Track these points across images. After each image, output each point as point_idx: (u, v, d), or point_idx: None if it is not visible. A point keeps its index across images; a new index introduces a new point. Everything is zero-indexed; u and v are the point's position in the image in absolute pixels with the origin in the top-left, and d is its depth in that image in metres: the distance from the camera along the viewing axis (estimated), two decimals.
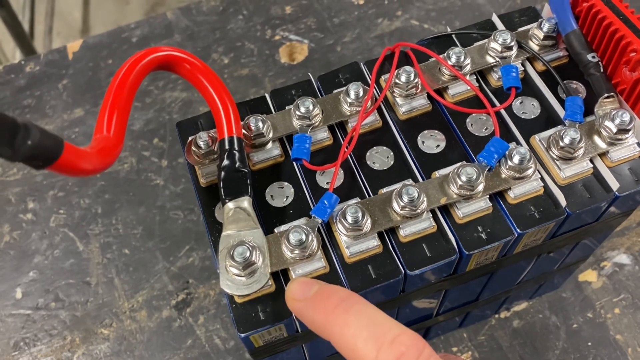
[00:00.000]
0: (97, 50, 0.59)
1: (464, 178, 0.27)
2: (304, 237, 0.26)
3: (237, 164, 0.27)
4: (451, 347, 0.42)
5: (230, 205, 0.27)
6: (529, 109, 0.31)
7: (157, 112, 0.54)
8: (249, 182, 0.27)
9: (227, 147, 0.27)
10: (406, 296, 0.30)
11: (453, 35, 0.33)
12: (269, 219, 0.29)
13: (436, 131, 0.31)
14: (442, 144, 0.30)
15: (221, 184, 0.27)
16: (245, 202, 0.27)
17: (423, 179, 0.29)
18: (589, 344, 0.42)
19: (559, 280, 0.43)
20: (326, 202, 0.27)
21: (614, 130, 0.28)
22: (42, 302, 0.46)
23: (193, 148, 0.29)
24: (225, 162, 0.27)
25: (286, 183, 0.30)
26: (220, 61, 0.57)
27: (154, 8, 1.63)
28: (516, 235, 0.27)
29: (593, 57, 0.30)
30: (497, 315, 0.43)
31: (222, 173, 0.27)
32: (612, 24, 0.29)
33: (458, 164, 0.28)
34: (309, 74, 0.34)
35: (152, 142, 0.53)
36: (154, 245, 0.48)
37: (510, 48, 0.31)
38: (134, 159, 0.52)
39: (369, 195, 0.29)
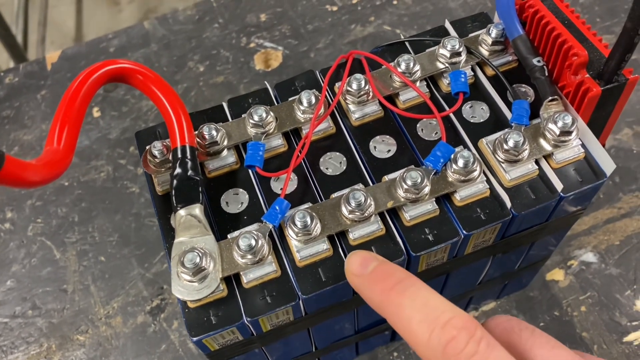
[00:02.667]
0: (75, 60, 0.60)
1: (409, 182, 0.28)
2: (253, 242, 0.27)
3: (189, 172, 0.28)
4: None
5: (182, 212, 0.28)
6: (478, 113, 0.32)
7: (133, 120, 0.55)
8: (200, 189, 0.28)
9: (179, 155, 0.28)
10: (361, 298, 0.30)
11: (406, 42, 0.34)
12: (224, 225, 0.29)
13: (387, 136, 0.31)
14: (393, 149, 0.31)
15: (173, 192, 0.28)
16: (197, 209, 0.28)
17: (374, 183, 0.30)
18: None
19: (526, 279, 0.44)
20: (277, 208, 0.28)
21: (557, 132, 0.29)
22: (20, 310, 0.47)
23: (149, 157, 0.30)
24: (178, 170, 0.28)
25: (241, 190, 0.30)
26: (196, 69, 0.58)
27: (146, 15, 1.65)
28: (462, 236, 0.28)
29: (538, 61, 0.31)
30: None
31: (174, 181, 0.28)
32: (555, 29, 0.30)
33: (404, 169, 0.29)
34: (266, 82, 0.34)
35: (129, 151, 0.54)
36: (129, 252, 0.49)
37: (458, 54, 0.32)
38: (111, 168, 0.53)
39: (321, 200, 0.30)
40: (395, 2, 0.61)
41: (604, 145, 0.33)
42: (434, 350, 0.21)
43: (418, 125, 0.32)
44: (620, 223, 0.47)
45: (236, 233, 0.28)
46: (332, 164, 0.31)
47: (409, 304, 0.22)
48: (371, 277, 0.24)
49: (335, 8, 0.61)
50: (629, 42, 0.26)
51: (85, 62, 0.60)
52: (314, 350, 0.36)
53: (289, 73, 0.57)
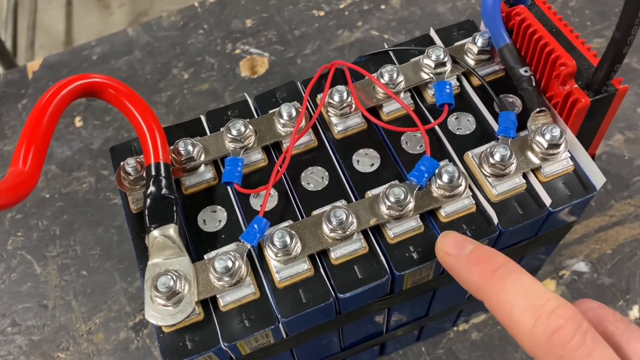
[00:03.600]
0: (57, 69, 0.59)
1: (392, 199, 0.27)
2: (230, 264, 0.26)
3: (163, 190, 0.27)
4: None
5: (155, 233, 0.26)
6: (464, 124, 0.31)
7: (116, 130, 0.54)
8: (175, 209, 0.27)
9: (153, 173, 0.27)
10: (345, 317, 0.29)
11: (390, 52, 0.33)
12: (201, 244, 0.28)
13: (371, 150, 0.30)
14: (377, 163, 0.30)
15: (146, 211, 0.27)
16: (171, 230, 0.26)
17: (357, 199, 0.29)
18: None
19: None
20: (256, 227, 0.27)
21: (545, 145, 0.28)
22: None
23: (122, 174, 0.29)
24: (151, 188, 0.27)
25: (219, 207, 0.29)
26: (181, 76, 0.57)
27: (137, 19, 1.63)
28: None
29: (525, 71, 0.30)
30: (455, 328, 0.43)
31: (148, 200, 0.27)
32: (542, 38, 0.29)
33: (387, 185, 0.28)
34: (245, 94, 0.33)
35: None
36: (111, 266, 0.48)
37: (443, 64, 0.31)
38: (93, 179, 0.52)
39: (303, 217, 0.29)
40: (383, 7, 0.60)
41: (594, 155, 0.32)
42: (538, 339, 0.21)
43: (402, 137, 0.31)
44: (612, 231, 0.46)
45: (213, 254, 0.27)
46: (314, 178, 0.30)
47: (512, 289, 0.22)
48: (470, 258, 0.24)
49: (322, 13, 0.60)
50: (617, 52, 0.26)
51: (67, 70, 0.58)
52: None
53: (275, 80, 0.56)
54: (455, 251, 0.24)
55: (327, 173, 0.30)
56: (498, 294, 0.22)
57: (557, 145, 0.28)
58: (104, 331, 0.45)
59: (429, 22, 0.58)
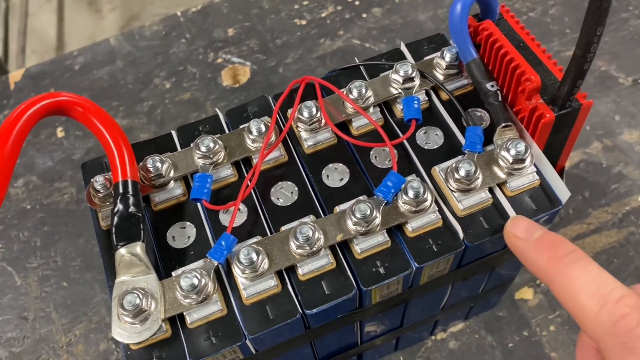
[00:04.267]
0: (39, 79, 0.59)
1: (358, 215, 0.27)
2: (196, 281, 0.26)
3: (131, 208, 0.27)
4: None
5: (122, 251, 0.27)
6: (432, 139, 0.31)
7: (97, 141, 0.54)
8: (142, 226, 0.27)
9: (120, 191, 0.27)
10: (315, 332, 0.30)
11: (361, 67, 0.34)
12: (169, 261, 0.28)
13: (341, 164, 0.31)
14: (346, 178, 0.30)
15: (113, 229, 0.27)
16: (138, 248, 0.27)
17: (326, 214, 0.29)
18: None
19: (495, 299, 0.43)
20: (223, 243, 0.27)
21: (511, 160, 0.28)
22: None
23: (92, 191, 0.29)
24: (119, 206, 0.27)
25: (188, 223, 0.29)
26: (162, 86, 0.57)
27: (129, 22, 1.63)
28: (414, 269, 0.27)
29: (492, 86, 0.30)
30: (433, 337, 0.43)
31: (115, 218, 0.27)
32: (508, 53, 0.29)
33: (354, 200, 0.28)
34: (217, 109, 0.33)
35: None
36: (92, 277, 0.48)
37: (411, 79, 0.31)
38: (74, 189, 0.52)
39: (272, 233, 0.29)
40: (364, 15, 0.60)
41: (564, 168, 0.33)
42: (602, 325, 0.21)
43: (372, 152, 0.31)
44: (590, 239, 0.46)
45: (180, 271, 0.27)
46: (284, 194, 0.30)
47: (579, 275, 0.23)
48: (539, 243, 0.25)
49: (304, 22, 0.60)
50: (579, 69, 0.26)
51: (50, 79, 0.59)
52: None
53: (257, 89, 0.56)
54: (524, 235, 0.25)
55: (296, 188, 0.30)
56: (565, 279, 0.23)
57: (523, 160, 0.28)
58: (84, 342, 0.45)
59: (410, 30, 0.58)
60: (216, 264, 0.27)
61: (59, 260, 0.49)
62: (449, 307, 0.37)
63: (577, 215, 0.47)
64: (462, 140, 0.30)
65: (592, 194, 0.48)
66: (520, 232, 0.26)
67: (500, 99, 0.30)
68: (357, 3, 0.61)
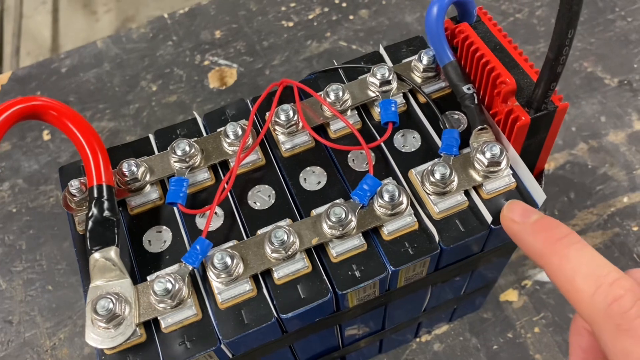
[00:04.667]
0: (25, 82, 0.58)
1: (333, 218, 0.27)
2: (169, 286, 0.26)
3: (105, 212, 0.27)
4: None
5: (96, 255, 0.26)
6: (410, 142, 0.31)
7: None
8: (117, 231, 0.27)
9: (95, 195, 0.27)
10: (293, 335, 0.30)
11: (340, 70, 0.33)
12: (145, 265, 0.28)
13: (318, 167, 0.31)
14: (324, 181, 0.30)
15: (87, 234, 0.27)
16: (112, 252, 0.27)
17: (302, 217, 0.29)
18: None
19: (479, 301, 0.43)
20: (198, 248, 0.27)
21: (486, 163, 0.28)
22: None
23: (67, 196, 0.29)
24: (93, 210, 0.27)
25: (164, 227, 0.29)
26: (149, 88, 0.57)
27: (124, 24, 1.63)
28: (390, 272, 0.27)
29: (468, 88, 0.30)
30: (417, 339, 0.43)
31: (89, 223, 0.27)
32: (483, 56, 0.29)
33: (329, 204, 0.28)
34: (195, 112, 0.33)
35: None
36: (77, 280, 0.48)
37: (388, 82, 0.31)
38: (60, 192, 0.52)
39: (248, 237, 0.29)
40: (351, 17, 0.60)
41: (542, 170, 0.33)
42: (597, 306, 0.21)
43: (349, 155, 0.31)
44: None
45: (154, 275, 0.27)
46: (261, 197, 0.30)
47: (575, 257, 0.23)
48: (535, 226, 0.25)
49: (291, 24, 0.60)
50: (552, 71, 0.26)
51: (36, 82, 0.58)
52: None
53: (243, 91, 0.56)
54: (521, 218, 0.26)
55: (274, 191, 0.30)
56: (560, 260, 0.23)
57: (498, 163, 0.28)
58: (68, 346, 0.45)
59: (396, 32, 0.58)
60: (191, 269, 0.27)
61: (44, 264, 0.49)
62: (432, 309, 0.37)
63: (562, 216, 0.47)
64: (440, 143, 0.30)
65: (577, 195, 0.48)
66: (517, 216, 0.26)
67: (476, 102, 0.30)
68: (344, 5, 0.61)
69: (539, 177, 0.32)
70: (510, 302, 0.44)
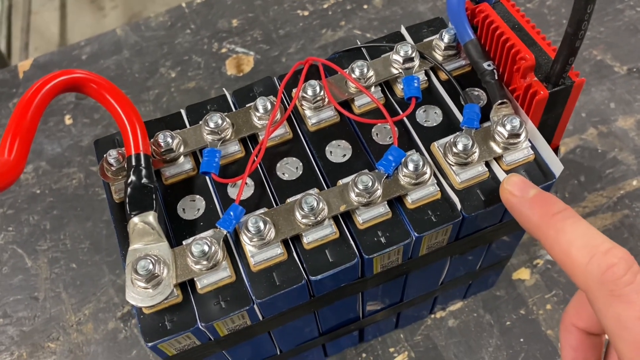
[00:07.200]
0: (47, 68, 0.60)
1: (360, 186, 0.28)
2: (206, 248, 0.27)
3: (143, 179, 0.28)
4: (388, 347, 0.44)
5: (135, 220, 0.28)
6: (431, 117, 0.32)
7: (104, 127, 0.55)
8: (154, 197, 0.28)
9: (133, 163, 0.29)
10: (319, 300, 0.31)
11: (363, 48, 0.35)
12: (180, 231, 0.30)
13: (343, 141, 0.32)
14: (349, 154, 0.31)
15: (127, 199, 0.28)
16: (151, 217, 0.28)
17: (328, 188, 0.30)
18: (521, 340, 0.43)
19: (492, 279, 0.44)
20: (232, 214, 0.28)
21: (506, 135, 0.29)
22: None
23: (105, 165, 0.30)
24: (132, 178, 0.28)
25: (198, 196, 0.31)
26: (168, 75, 0.58)
27: (131, 20, 1.64)
28: (414, 238, 0.29)
29: (489, 65, 0.31)
30: (432, 315, 0.45)
31: (128, 189, 0.28)
32: (503, 34, 0.31)
33: (356, 174, 0.29)
34: (224, 89, 0.35)
35: None
36: (100, 259, 0.49)
37: (411, 59, 0.32)
38: (82, 175, 0.53)
39: (277, 205, 0.30)
40: (365, 7, 0.61)
41: (558, 146, 0.34)
42: (592, 275, 0.22)
43: (373, 129, 0.32)
44: None
45: (190, 239, 0.29)
46: (289, 169, 0.31)
47: (571, 230, 0.24)
48: (533, 200, 0.26)
49: (306, 13, 0.61)
50: (570, 46, 0.27)
51: (57, 69, 0.60)
52: (278, 353, 0.36)
53: (260, 78, 0.57)
54: (519, 192, 0.27)
55: (301, 163, 0.31)
56: (557, 233, 0.24)
57: (518, 135, 0.29)
58: (93, 321, 0.46)
59: (409, 21, 0.59)
60: (225, 233, 0.28)
61: (68, 243, 0.50)
62: (448, 283, 0.39)
63: (572, 198, 0.49)
64: (460, 118, 0.32)
65: (587, 178, 0.49)
66: (516, 190, 0.27)
67: (496, 78, 0.31)
68: None
69: (555, 152, 0.33)
70: (522, 280, 0.46)
